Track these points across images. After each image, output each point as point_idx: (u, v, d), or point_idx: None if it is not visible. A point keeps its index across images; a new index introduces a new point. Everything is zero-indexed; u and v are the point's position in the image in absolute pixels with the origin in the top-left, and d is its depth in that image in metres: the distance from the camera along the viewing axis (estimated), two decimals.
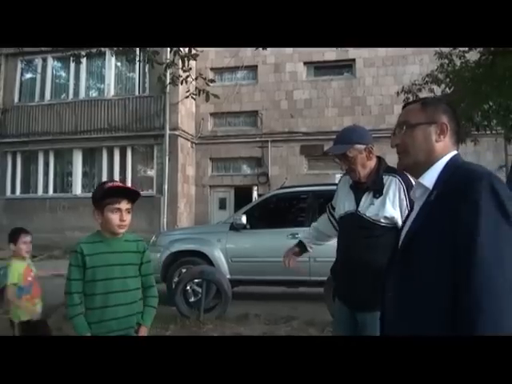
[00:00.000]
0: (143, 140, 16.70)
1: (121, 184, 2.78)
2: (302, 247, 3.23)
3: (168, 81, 8.28)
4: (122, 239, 2.73)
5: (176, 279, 7.60)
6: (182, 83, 7.19)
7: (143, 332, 2.71)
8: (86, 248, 2.63)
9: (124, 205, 2.64)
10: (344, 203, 2.80)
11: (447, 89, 9.40)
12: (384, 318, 1.70)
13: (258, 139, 17.69)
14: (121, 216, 2.63)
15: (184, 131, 17.07)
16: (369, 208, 2.65)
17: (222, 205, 18.17)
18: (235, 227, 7.70)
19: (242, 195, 17.29)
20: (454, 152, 1.63)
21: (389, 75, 17.10)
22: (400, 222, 2.48)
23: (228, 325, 6.20)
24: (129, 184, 16.51)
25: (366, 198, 2.68)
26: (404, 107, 1.77)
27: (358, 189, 2.75)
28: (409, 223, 1.66)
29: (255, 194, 17.54)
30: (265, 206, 8.07)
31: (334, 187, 9.04)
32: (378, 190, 2.65)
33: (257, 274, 7.57)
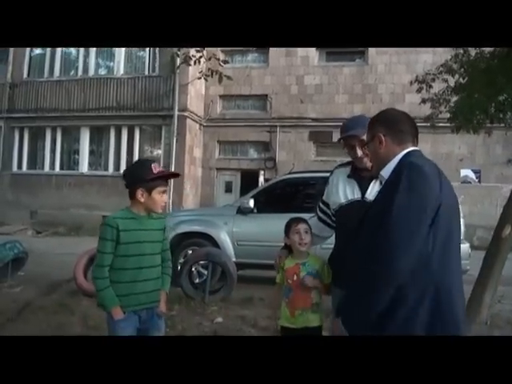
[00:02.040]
0: (151, 120, 16.61)
1: (171, 172, 3.03)
2: (290, 249, 3.13)
3: (180, 61, 8.18)
4: (150, 217, 2.86)
5: (181, 260, 7.59)
6: (194, 63, 7.11)
7: (164, 296, 2.92)
8: (121, 223, 2.71)
9: (167, 187, 2.90)
10: (344, 192, 2.78)
11: (461, 79, 9.24)
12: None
13: (266, 123, 17.57)
14: (165, 197, 2.85)
15: (192, 113, 16.97)
16: None
17: (228, 188, 18.13)
18: (242, 211, 7.67)
19: (248, 179, 17.23)
20: (409, 149, 2.01)
21: (401, 63, 16.89)
22: None
23: (232, 307, 6.19)
24: None
25: (373, 186, 2.69)
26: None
27: (362, 178, 2.74)
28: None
29: (262, 179, 17.47)
30: (273, 190, 8.02)
31: None
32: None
33: (262, 257, 7.52)
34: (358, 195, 2.73)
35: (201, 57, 6.94)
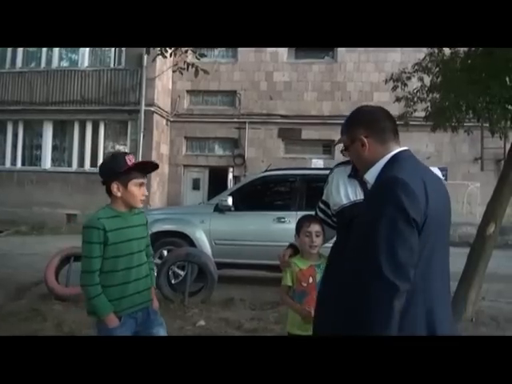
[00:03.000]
0: (117, 115, 16.14)
1: (147, 161, 2.92)
2: (296, 249, 2.98)
3: (156, 53, 7.87)
4: (133, 213, 2.74)
5: (156, 261, 7.33)
6: (170, 56, 6.84)
7: (154, 292, 2.86)
8: (106, 223, 2.57)
9: (145, 179, 2.72)
10: (346, 193, 2.61)
11: (435, 78, 9.29)
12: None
13: (235, 120, 17.39)
14: (143, 190, 2.69)
15: (159, 108, 16.61)
16: None
17: (196, 185, 17.84)
18: (220, 208, 7.46)
19: (216, 176, 17.02)
20: (396, 150, 1.84)
21: (370, 62, 16.99)
22: None
23: (214, 309, 5.99)
24: (101, 160, 16.02)
25: None
26: None
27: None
28: None
29: (230, 176, 17.30)
30: (251, 188, 7.83)
31: (321, 172, 8.86)
32: None
33: (241, 257, 7.37)
34: (360, 196, 2.56)
35: (176, 49, 6.68)
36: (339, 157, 18.72)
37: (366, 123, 1.92)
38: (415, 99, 9.82)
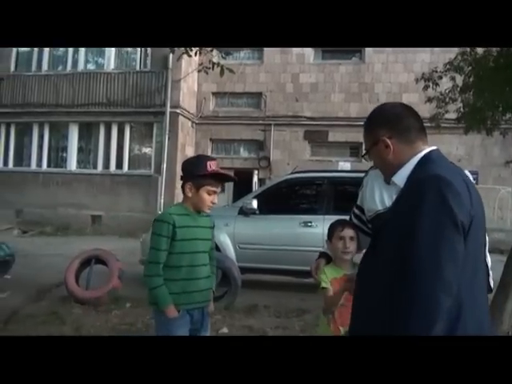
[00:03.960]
0: (142, 117, 16.08)
1: (227, 173, 3.00)
2: (328, 258, 2.75)
3: (180, 52, 7.74)
4: (202, 215, 2.84)
5: None
6: (195, 55, 6.69)
7: (211, 305, 2.96)
8: (177, 219, 2.69)
9: (219, 189, 2.82)
10: (381, 198, 2.44)
11: (467, 78, 8.99)
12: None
13: (260, 122, 17.17)
14: (213, 198, 2.77)
15: (185, 110, 16.49)
16: None
17: (222, 188, 17.67)
18: (244, 212, 7.27)
19: (241, 179, 16.73)
20: (428, 149, 1.67)
21: (399, 62, 16.62)
22: None
23: (237, 316, 5.79)
24: (126, 162, 16.03)
25: None
26: None
27: None
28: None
29: (255, 178, 17.14)
30: (277, 190, 7.61)
31: (351, 174, 8.61)
32: None
33: (266, 262, 7.16)
34: None
35: (201, 48, 6.53)
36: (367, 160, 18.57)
37: (388, 122, 1.74)
38: (447, 99, 9.53)
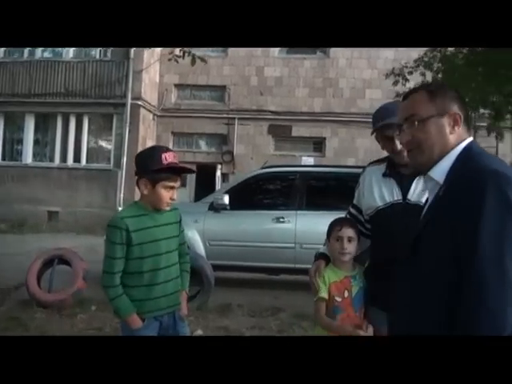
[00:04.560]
0: (102, 108, 15.48)
1: (184, 166, 2.72)
2: (327, 258, 2.56)
3: None
4: (163, 211, 2.59)
5: None
6: None
7: (184, 296, 2.70)
8: (130, 223, 2.45)
9: (177, 183, 2.55)
10: (381, 194, 2.37)
11: (437, 74, 9.08)
12: (393, 316, 1.64)
13: (224, 115, 16.88)
14: (172, 194, 2.53)
15: (146, 101, 16.02)
16: (424, 194, 2.17)
17: (182, 182, 17.32)
18: (215, 207, 7.01)
19: (204, 173, 16.52)
20: (468, 140, 1.52)
21: (363, 58, 16.64)
22: None
23: (211, 317, 5.55)
24: (84, 155, 15.47)
25: (416, 184, 2.30)
26: (406, 97, 1.63)
27: (402, 175, 2.33)
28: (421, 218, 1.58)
29: (219, 173, 16.88)
30: (248, 185, 7.38)
31: (323, 169, 8.43)
32: None
33: (237, 259, 6.94)
34: (398, 196, 2.32)
35: None
36: (330, 155, 18.41)
37: (460, 101, 1.55)
38: None
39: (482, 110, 8.66)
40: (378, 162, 2.52)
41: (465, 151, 1.48)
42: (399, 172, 2.34)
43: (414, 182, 2.29)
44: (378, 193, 2.37)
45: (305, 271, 6.83)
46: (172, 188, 2.51)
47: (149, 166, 2.46)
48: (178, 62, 6.70)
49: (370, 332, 2.33)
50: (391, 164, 2.38)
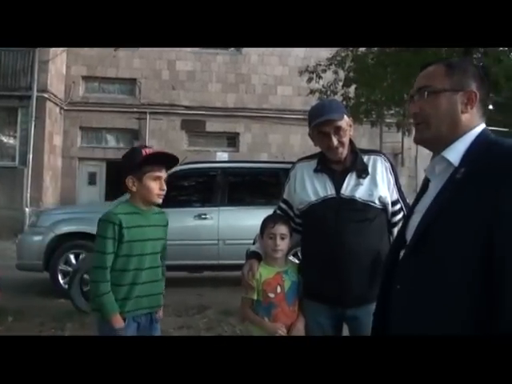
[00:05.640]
0: (6, 101, 14.52)
1: (161, 150, 2.71)
2: (259, 257, 2.59)
3: None
4: (152, 211, 2.63)
5: (61, 267, 6.56)
6: None
7: (161, 311, 2.72)
8: (124, 219, 2.45)
9: (164, 173, 2.55)
10: (314, 189, 2.41)
11: (348, 73, 9.44)
12: (388, 313, 1.47)
13: (135, 110, 16.53)
14: (161, 185, 2.53)
15: (53, 94, 15.25)
16: (357, 189, 2.35)
17: (92, 180, 16.73)
18: None
19: (115, 170, 16.00)
20: (483, 125, 1.41)
21: (274, 55, 16.94)
22: (390, 203, 2.38)
23: None
24: None
25: (349, 179, 2.36)
26: (423, 68, 1.50)
27: (334, 171, 2.40)
28: (425, 204, 1.41)
29: None
30: (168, 183, 7.19)
31: (245, 165, 8.46)
32: (363, 170, 2.38)
33: None
34: (331, 191, 2.37)
35: None
36: (244, 150, 18.50)
37: (481, 81, 1.43)
38: (328, 92, 9.93)
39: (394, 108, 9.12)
40: (308, 158, 2.55)
41: (483, 135, 1.39)
42: (331, 168, 2.39)
43: (347, 177, 2.35)
44: (310, 188, 2.41)
45: (228, 267, 6.88)
46: (159, 178, 2.52)
47: (132, 162, 2.49)
48: None
49: (300, 326, 2.39)
50: (323, 160, 2.43)
